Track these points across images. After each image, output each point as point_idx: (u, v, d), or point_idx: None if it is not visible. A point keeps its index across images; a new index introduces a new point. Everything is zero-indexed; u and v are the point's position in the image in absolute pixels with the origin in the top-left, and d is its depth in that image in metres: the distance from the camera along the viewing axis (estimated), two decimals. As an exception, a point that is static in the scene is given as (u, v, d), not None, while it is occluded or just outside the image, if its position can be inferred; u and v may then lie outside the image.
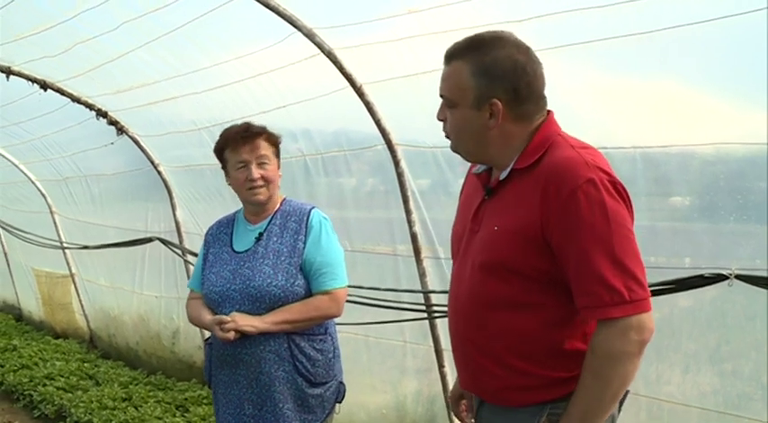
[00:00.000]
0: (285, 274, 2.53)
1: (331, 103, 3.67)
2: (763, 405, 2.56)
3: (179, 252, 5.29)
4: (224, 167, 2.70)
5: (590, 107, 2.89)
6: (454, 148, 1.86)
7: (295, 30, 3.24)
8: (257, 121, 2.72)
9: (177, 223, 5.37)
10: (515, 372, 1.76)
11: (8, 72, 4.62)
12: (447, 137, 1.85)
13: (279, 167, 2.68)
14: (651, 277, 1.72)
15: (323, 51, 3.30)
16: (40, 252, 7.24)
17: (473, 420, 1.98)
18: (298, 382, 2.54)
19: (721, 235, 2.67)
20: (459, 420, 2.21)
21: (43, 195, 7.07)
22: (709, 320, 2.83)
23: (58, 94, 4.85)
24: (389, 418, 4.11)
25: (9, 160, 6.94)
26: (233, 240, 2.70)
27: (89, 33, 3.83)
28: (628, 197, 1.69)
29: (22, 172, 6.99)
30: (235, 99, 4.04)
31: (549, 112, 1.80)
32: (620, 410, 1.81)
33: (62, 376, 5.86)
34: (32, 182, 7.04)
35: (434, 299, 3.63)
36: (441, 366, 3.74)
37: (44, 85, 4.74)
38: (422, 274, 3.68)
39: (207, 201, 5.05)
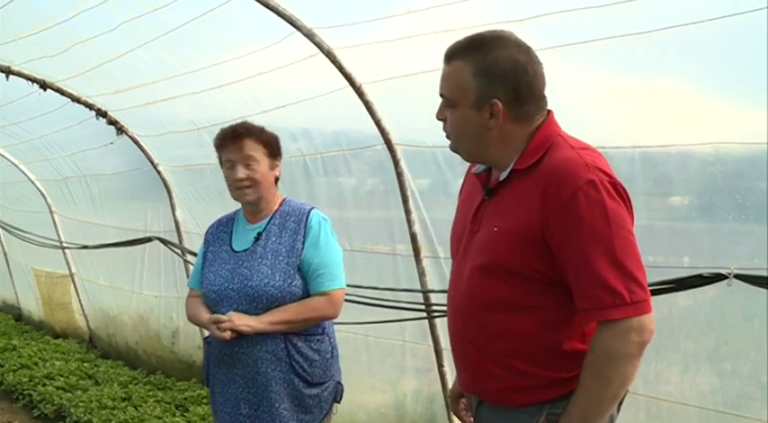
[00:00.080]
0: (283, 275, 2.52)
1: (330, 103, 3.67)
2: (763, 405, 2.56)
3: (178, 252, 5.29)
4: (221, 166, 2.70)
5: (590, 107, 2.89)
6: (454, 148, 1.85)
7: (294, 29, 3.23)
8: (257, 120, 2.70)
9: (177, 223, 5.36)
10: (515, 372, 1.76)
11: (8, 72, 4.62)
12: (447, 137, 1.84)
13: (276, 168, 2.65)
14: (650, 277, 1.72)
15: (322, 51, 3.30)
16: (40, 252, 7.24)
17: (472, 419, 1.98)
18: (294, 382, 2.54)
19: (720, 234, 2.67)
20: (459, 419, 2.21)
21: (43, 195, 7.06)
22: (709, 320, 2.83)
23: (57, 94, 4.84)
24: (389, 417, 4.11)
25: (9, 160, 6.93)
26: (232, 239, 2.69)
27: (88, 33, 3.83)
28: (628, 198, 1.68)
29: (22, 172, 6.99)
30: (234, 99, 4.04)
31: (549, 112, 1.80)
32: (618, 410, 1.81)
33: (62, 376, 5.86)
34: (32, 182, 7.04)
35: (434, 298, 3.63)
36: (440, 366, 3.74)
37: (44, 85, 4.74)
38: (421, 274, 3.68)
39: (206, 200, 5.05)
